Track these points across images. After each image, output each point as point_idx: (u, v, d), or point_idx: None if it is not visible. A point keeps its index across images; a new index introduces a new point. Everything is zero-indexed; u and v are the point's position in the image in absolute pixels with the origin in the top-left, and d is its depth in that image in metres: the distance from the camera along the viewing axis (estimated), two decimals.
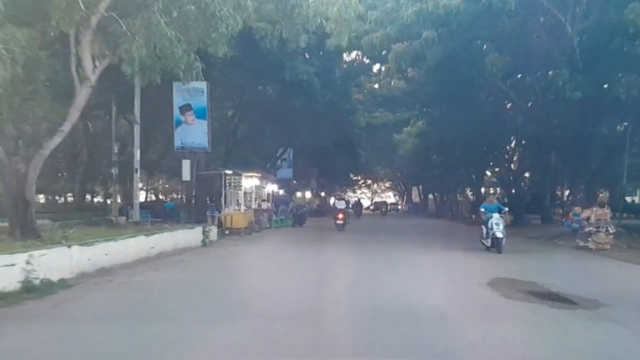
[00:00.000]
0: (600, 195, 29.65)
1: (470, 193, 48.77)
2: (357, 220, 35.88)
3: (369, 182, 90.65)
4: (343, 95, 38.20)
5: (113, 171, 19.93)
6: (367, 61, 34.17)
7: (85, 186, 33.27)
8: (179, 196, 39.44)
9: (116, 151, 19.86)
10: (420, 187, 61.81)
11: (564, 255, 15.59)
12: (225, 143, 28.62)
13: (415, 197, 66.20)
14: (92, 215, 21.28)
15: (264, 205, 22.37)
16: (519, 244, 17.99)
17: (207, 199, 23.79)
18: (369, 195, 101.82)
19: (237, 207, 18.77)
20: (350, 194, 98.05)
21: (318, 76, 32.01)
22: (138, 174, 19.42)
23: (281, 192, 23.67)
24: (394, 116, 47.89)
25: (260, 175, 21.31)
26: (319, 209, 46.24)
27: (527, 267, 12.85)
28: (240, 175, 19.20)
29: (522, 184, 53.48)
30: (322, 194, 60.83)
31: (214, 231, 16.79)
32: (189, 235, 15.22)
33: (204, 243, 15.57)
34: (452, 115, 28.41)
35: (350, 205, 37.14)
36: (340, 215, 23.43)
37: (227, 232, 18.03)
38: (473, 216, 42.01)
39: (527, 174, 54.28)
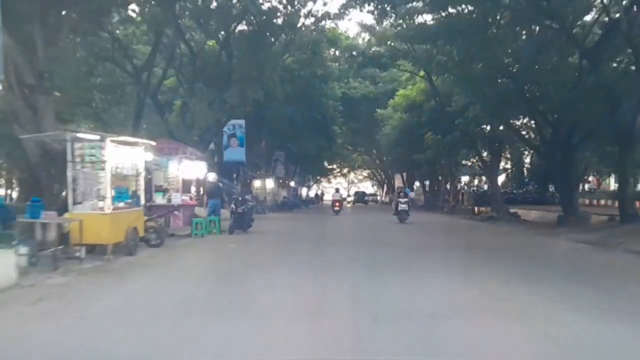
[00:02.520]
0: None
1: (475, 181, 40.76)
2: (332, 218, 27.35)
3: (346, 170, 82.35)
4: (313, 55, 29.56)
5: None
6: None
7: None
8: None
9: None
10: (405, 174, 53.52)
11: None
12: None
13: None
14: None
15: (178, 199, 13.43)
16: None
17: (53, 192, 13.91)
18: (346, 185, 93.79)
19: (99, 204, 9.63)
20: (324, 184, 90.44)
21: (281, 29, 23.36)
22: None
23: (211, 177, 14.57)
24: (376, 87, 39.44)
25: (155, 144, 11.94)
26: (286, 202, 37.49)
27: None
28: (101, 141, 9.82)
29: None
30: (292, 183, 52.05)
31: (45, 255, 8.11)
32: None
33: None
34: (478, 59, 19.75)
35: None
36: (337, 204, 30.20)
37: (78, 253, 9.19)
38: (477, 209, 34.17)
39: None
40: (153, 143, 11.60)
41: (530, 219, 24.87)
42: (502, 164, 47.87)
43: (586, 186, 40.17)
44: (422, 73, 32.81)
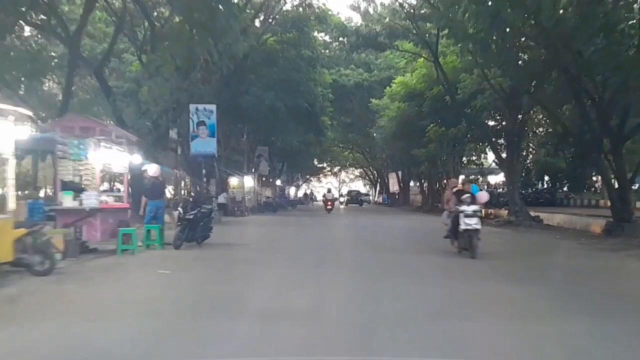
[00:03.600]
0: None
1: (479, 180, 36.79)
2: (323, 222, 23.33)
3: (337, 169, 78.36)
4: (298, 34, 25.62)
5: None
6: None
7: None
8: None
9: None
10: (400, 173, 49.60)
11: None
12: None
13: (394, 186, 53.91)
14: None
15: (93, 201, 9.13)
16: None
17: None
18: (337, 185, 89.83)
19: None
20: (314, 183, 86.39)
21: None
22: None
23: (152, 170, 10.27)
24: (371, 75, 35.42)
25: (63, 122, 7.72)
26: (269, 203, 33.40)
27: None
28: None
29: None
30: (279, 182, 47.98)
31: None
32: None
33: None
34: None
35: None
36: (329, 203, 32.59)
37: None
38: (484, 211, 30.07)
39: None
40: (27, 112, 7.47)
41: (555, 223, 20.98)
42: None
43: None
44: (424, 59, 29.17)
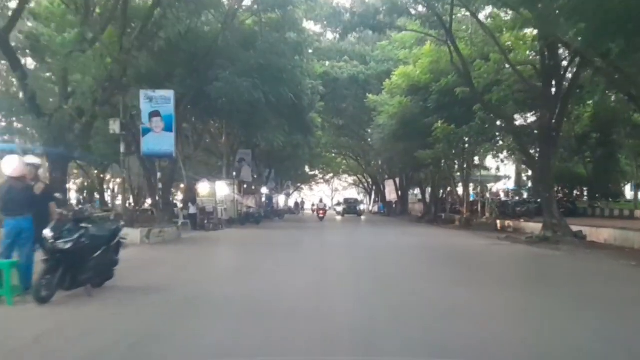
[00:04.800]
0: None
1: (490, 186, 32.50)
2: (317, 240, 18.92)
3: (329, 176, 73.98)
4: (283, 15, 21.44)
5: None
6: None
7: None
8: None
9: None
10: (398, 180, 45.26)
11: None
12: None
13: (391, 194, 49.52)
14: None
15: None
16: None
17: None
18: (329, 193, 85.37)
19: None
20: (306, 192, 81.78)
21: None
22: None
23: (11, 167, 5.67)
24: (367, 68, 31.14)
25: None
26: (251, 214, 28.88)
27: None
28: None
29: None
30: (265, 190, 43.47)
31: None
32: None
33: None
34: None
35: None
36: (321, 212, 36.28)
37: None
38: (499, 223, 25.74)
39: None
40: None
41: (602, 240, 16.64)
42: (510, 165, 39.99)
43: None
44: (430, 46, 24.96)
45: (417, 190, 52.72)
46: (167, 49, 17.89)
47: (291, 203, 64.44)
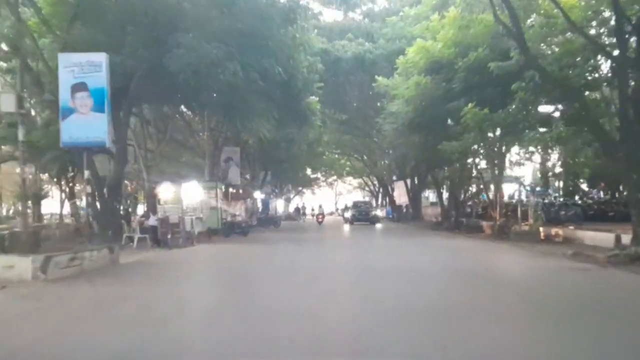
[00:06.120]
0: None
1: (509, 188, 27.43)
2: (315, 261, 13.80)
3: (332, 179, 68.91)
4: None
5: None
6: None
7: None
8: None
9: None
10: (409, 181, 40.25)
11: None
12: None
13: (401, 197, 44.37)
14: None
15: None
16: None
17: None
18: (333, 198, 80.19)
19: None
20: (308, 196, 76.39)
21: None
22: None
23: None
24: (375, 46, 26.18)
25: None
26: (238, 223, 23.87)
27: None
28: None
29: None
30: (259, 194, 38.53)
31: None
32: None
33: None
34: None
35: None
36: (320, 217, 37.35)
37: None
38: (543, 232, 20.35)
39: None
40: None
41: None
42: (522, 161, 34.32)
43: None
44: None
45: (427, 193, 47.65)
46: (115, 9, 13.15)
47: (292, 208, 59.37)
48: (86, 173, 12.02)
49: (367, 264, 12.47)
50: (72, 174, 21.48)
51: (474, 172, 24.41)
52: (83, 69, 11.39)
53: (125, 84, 14.65)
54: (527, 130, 18.93)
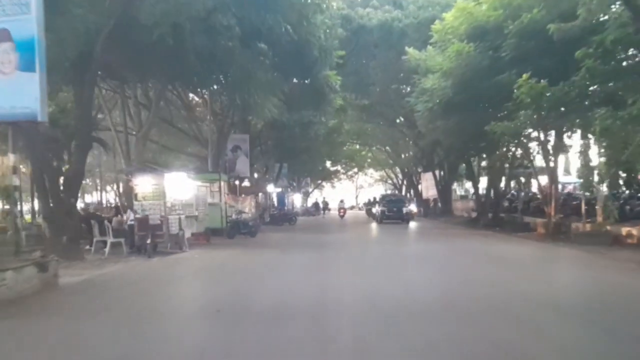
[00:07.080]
0: None
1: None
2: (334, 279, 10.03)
3: (353, 171, 65.29)
4: None
5: None
6: None
7: None
8: None
9: None
10: (440, 172, 36.47)
11: None
12: None
13: (428, 190, 40.47)
14: None
15: None
16: None
17: None
18: (353, 191, 76.53)
19: None
20: (328, 190, 72.77)
21: None
22: None
23: None
24: (404, 13, 22.44)
25: None
26: (245, 222, 20.44)
27: None
28: None
29: None
30: (274, 188, 35.27)
31: None
32: None
33: None
34: None
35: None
36: (342, 211, 40.07)
37: None
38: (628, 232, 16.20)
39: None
40: None
41: None
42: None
43: None
44: None
45: (454, 185, 43.59)
46: None
47: (310, 203, 55.90)
48: (11, 157, 8.75)
49: (396, 281, 8.82)
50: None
51: (524, 161, 20.48)
52: (4, 9, 8.06)
53: (89, 48, 11.27)
54: (595, 109, 15.09)
